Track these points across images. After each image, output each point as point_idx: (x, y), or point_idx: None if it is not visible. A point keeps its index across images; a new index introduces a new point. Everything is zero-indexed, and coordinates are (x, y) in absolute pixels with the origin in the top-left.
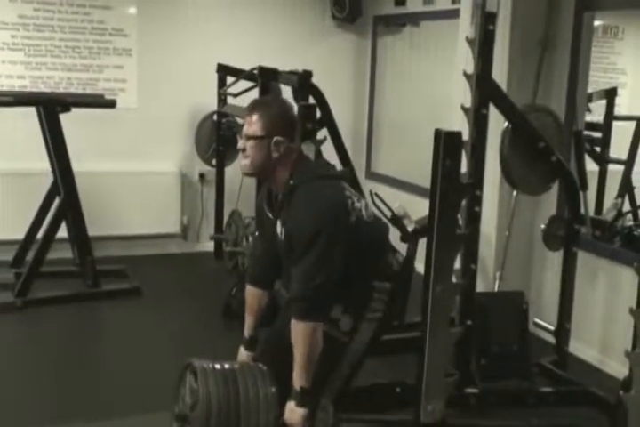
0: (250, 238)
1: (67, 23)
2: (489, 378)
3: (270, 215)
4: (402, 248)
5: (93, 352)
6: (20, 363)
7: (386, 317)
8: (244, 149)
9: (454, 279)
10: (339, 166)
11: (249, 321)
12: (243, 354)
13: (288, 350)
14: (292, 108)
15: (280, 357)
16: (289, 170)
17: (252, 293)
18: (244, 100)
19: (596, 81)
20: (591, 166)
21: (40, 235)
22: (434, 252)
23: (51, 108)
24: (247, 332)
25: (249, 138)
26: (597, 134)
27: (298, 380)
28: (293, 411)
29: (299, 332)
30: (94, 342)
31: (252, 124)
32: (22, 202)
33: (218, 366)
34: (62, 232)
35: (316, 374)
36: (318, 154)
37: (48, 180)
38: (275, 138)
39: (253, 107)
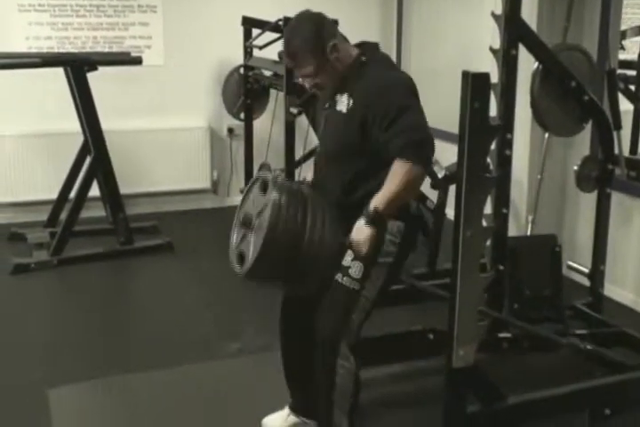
0: None
1: None
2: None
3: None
4: (432, 195)
5: (127, 307)
6: (59, 319)
7: (397, 260)
8: (313, 86)
9: (485, 223)
10: None
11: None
12: None
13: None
14: (308, 17)
15: None
16: (357, 51)
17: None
18: (271, 53)
19: (630, 17)
20: (625, 105)
21: (72, 194)
22: (463, 196)
23: (78, 67)
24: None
25: (308, 76)
26: (632, 72)
27: (375, 201)
28: (362, 229)
29: (405, 172)
30: (128, 297)
31: (300, 68)
32: (54, 162)
33: (287, 182)
34: (94, 191)
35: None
36: None
37: (79, 139)
38: (327, 50)
39: (287, 53)
